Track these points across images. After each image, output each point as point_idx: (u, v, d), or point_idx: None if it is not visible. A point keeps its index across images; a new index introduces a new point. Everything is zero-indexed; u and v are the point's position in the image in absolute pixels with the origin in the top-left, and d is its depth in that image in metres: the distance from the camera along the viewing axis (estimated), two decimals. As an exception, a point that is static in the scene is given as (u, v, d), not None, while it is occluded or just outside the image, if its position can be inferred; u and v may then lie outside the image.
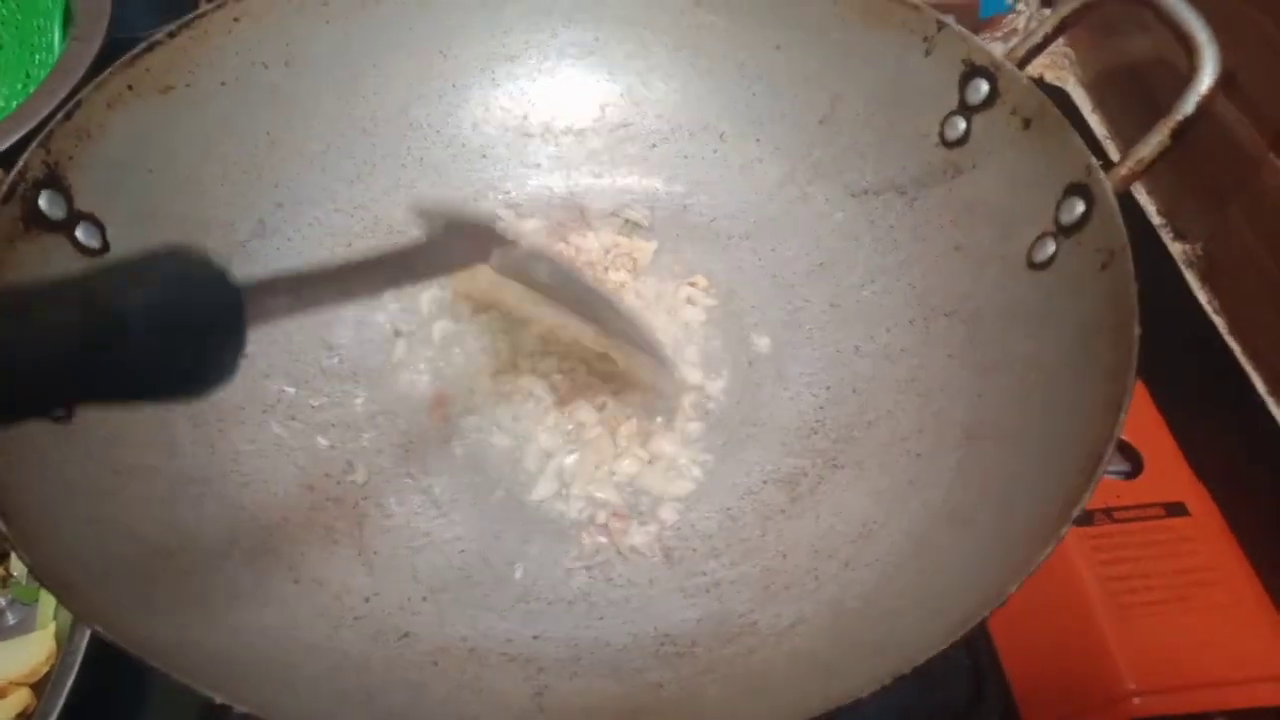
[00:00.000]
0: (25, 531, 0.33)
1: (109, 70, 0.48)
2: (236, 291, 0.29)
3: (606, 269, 0.57)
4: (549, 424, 0.51)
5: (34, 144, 0.44)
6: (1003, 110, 0.50)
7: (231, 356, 0.29)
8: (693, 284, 0.57)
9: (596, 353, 0.52)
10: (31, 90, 0.66)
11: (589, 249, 0.58)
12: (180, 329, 0.27)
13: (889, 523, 0.45)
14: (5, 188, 0.42)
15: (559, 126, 0.62)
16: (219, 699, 0.29)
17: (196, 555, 0.41)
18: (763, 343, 0.55)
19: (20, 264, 0.42)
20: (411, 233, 0.44)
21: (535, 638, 0.43)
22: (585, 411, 0.51)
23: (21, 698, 0.48)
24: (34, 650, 0.49)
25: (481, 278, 0.56)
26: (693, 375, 0.53)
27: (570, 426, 0.51)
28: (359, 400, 0.52)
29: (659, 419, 0.51)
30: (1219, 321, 0.70)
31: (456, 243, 0.44)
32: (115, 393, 0.27)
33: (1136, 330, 0.40)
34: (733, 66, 0.60)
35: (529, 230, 0.59)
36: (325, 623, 0.41)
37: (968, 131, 0.52)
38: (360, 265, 0.37)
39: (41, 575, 0.32)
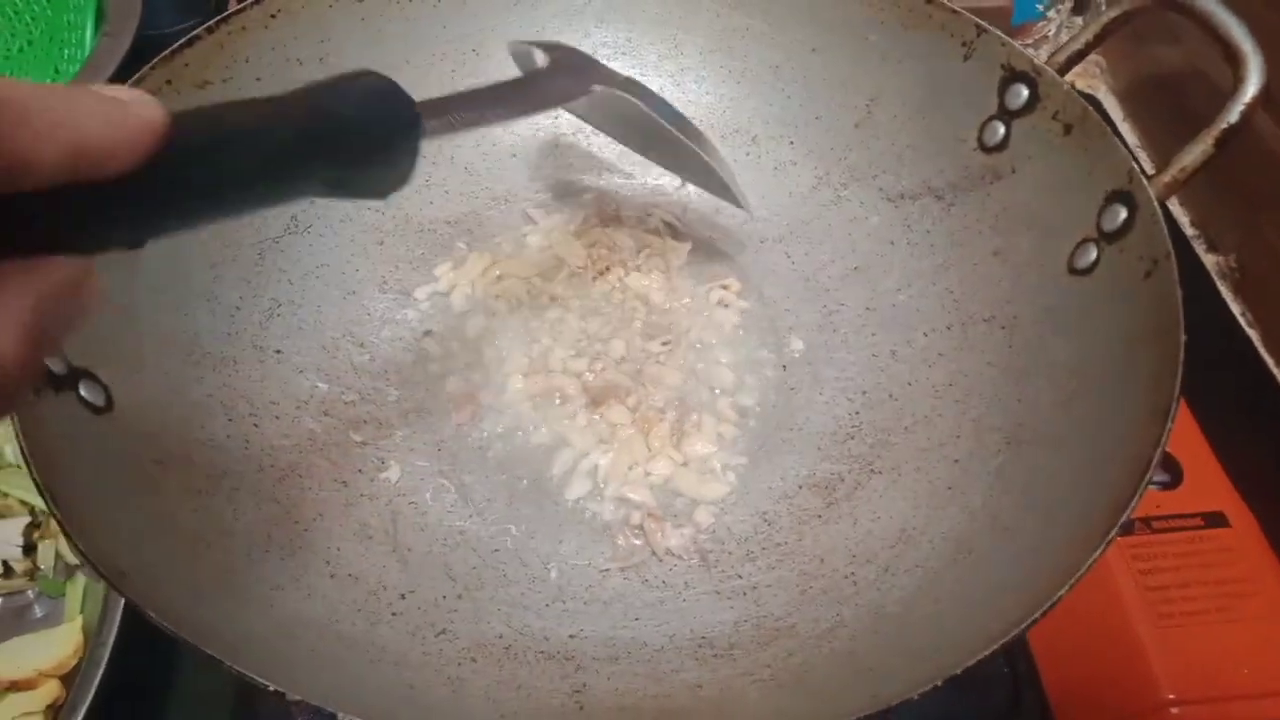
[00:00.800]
0: (76, 518, 0.33)
1: (149, 65, 0.48)
2: (413, 106, 0.32)
3: (638, 268, 0.57)
4: (581, 424, 0.51)
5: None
6: (1043, 116, 0.50)
7: (410, 162, 0.32)
8: (725, 287, 0.57)
9: (620, 356, 0.53)
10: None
11: (622, 247, 0.57)
12: (376, 135, 0.30)
13: (928, 528, 0.45)
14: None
15: (590, 127, 0.62)
16: (274, 687, 0.29)
17: (234, 546, 0.41)
18: (797, 346, 0.54)
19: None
20: (521, 55, 0.47)
21: (572, 637, 0.42)
22: (618, 412, 0.51)
23: (51, 689, 0.48)
24: (62, 643, 0.49)
25: (525, 260, 0.56)
26: (725, 379, 0.53)
27: (604, 427, 0.51)
28: (392, 398, 0.52)
29: (694, 416, 0.51)
30: (1253, 334, 0.70)
31: (563, 75, 0.46)
32: (332, 185, 0.29)
33: (1182, 338, 0.40)
34: (767, 69, 0.60)
35: (555, 224, 0.59)
36: (363, 618, 0.41)
37: (1007, 136, 0.52)
38: (489, 93, 0.40)
39: (95, 561, 0.32)
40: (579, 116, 0.55)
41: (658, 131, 0.50)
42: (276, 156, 0.26)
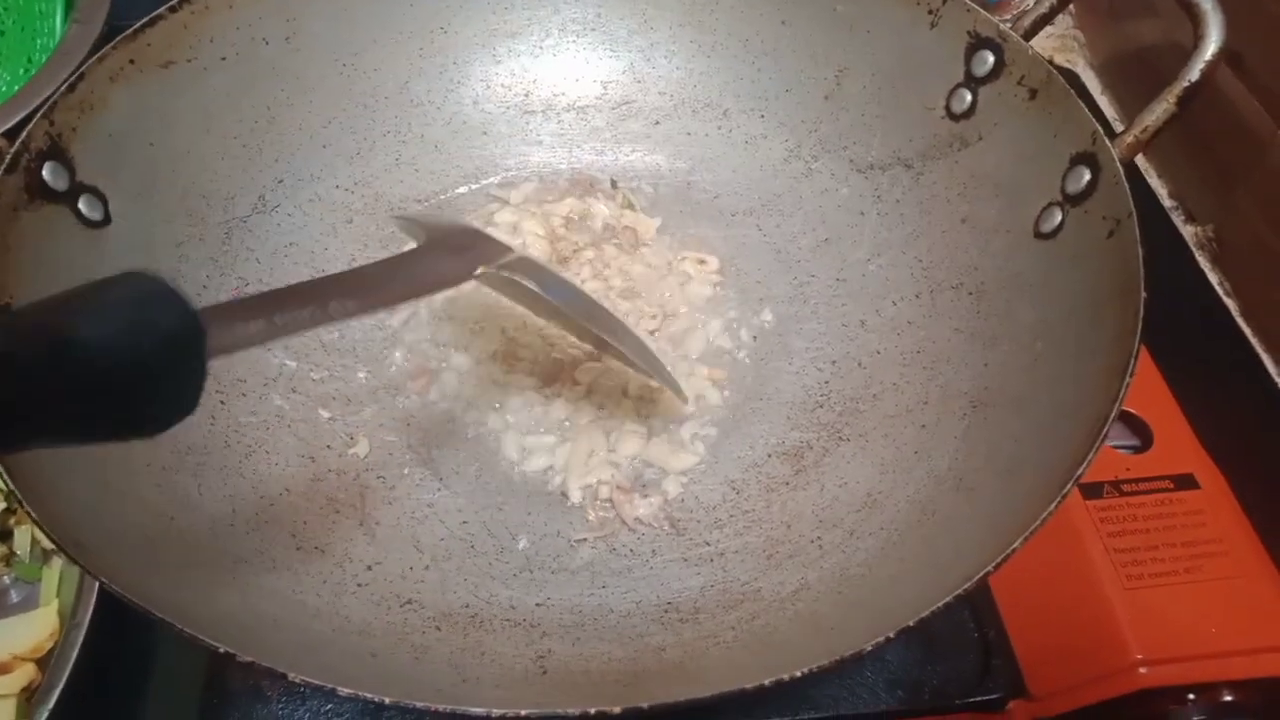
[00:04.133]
0: (33, 490, 0.33)
1: (111, 44, 0.48)
2: (196, 320, 0.26)
3: (608, 243, 0.57)
4: (538, 413, 0.50)
5: (38, 115, 0.44)
6: (1009, 81, 0.50)
7: (192, 391, 0.26)
8: (696, 260, 0.57)
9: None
10: (33, 74, 0.66)
11: (594, 222, 0.57)
12: (137, 362, 0.24)
13: (894, 492, 0.45)
14: (9, 158, 0.42)
15: (561, 104, 0.62)
16: (223, 649, 0.29)
17: (199, 520, 0.41)
18: (767, 318, 0.54)
19: (24, 234, 0.42)
20: (400, 234, 0.41)
21: (539, 605, 0.42)
22: (574, 394, 0.51)
23: (26, 673, 0.48)
24: (38, 626, 0.49)
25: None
26: (695, 349, 0.53)
27: (561, 416, 0.50)
28: (361, 375, 0.52)
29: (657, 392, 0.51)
30: (1230, 303, 0.70)
31: (443, 256, 0.40)
32: (65, 433, 0.24)
33: (1142, 295, 0.40)
34: (737, 42, 0.60)
35: (526, 200, 0.59)
36: (328, 588, 0.41)
37: (974, 104, 0.52)
38: (338, 283, 0.34)
39: (51, 532, 0.32)
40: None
41: (560, 311, 0.44)
42: None
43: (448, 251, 0.40)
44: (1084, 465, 0.35)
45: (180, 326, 0.26)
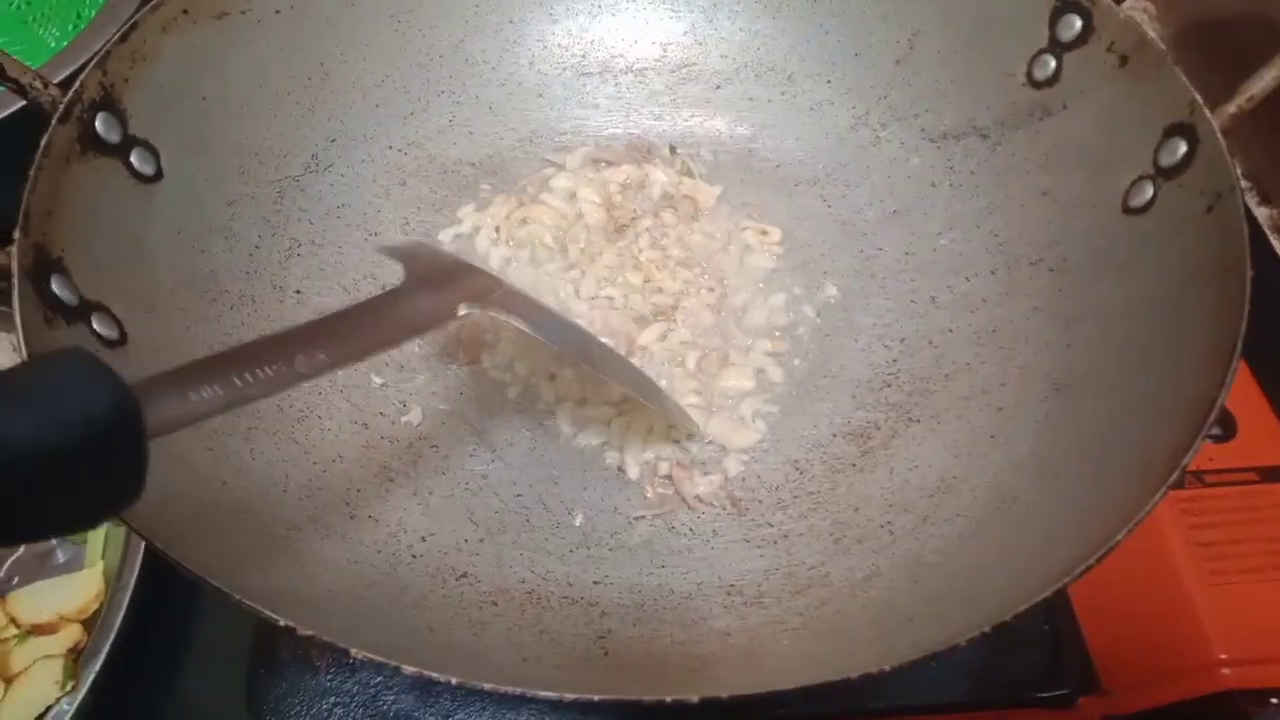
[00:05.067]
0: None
1: (164, -8, 0.47)
2: (131, 399, 0.24)
3: (666, 210, 0.55)
4: (593, 386, 0.49)
5: (91, 65, 0.43)
6: (1097, 47, 0.47)
7: (132, 478, 0.24)
8: (758, 231, 0.55)
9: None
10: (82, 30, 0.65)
11: (651, 189, 0.55)
12: (59, 457, 0.22)
13: (969, 477, 0.43)
14: (62, 108, 0.41)
15: (619, 66, 0.60)
16: (284, 622, 0.28)
17: (251, 485, 0.40)
18: (832, 292, 0.52)
19: (76, 186, 0.41)
20: (395, 259, 0.38)
21: (596, 583, 0.41)
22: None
23: (72, 633, 0.48)
24: (83, 588, 0.49)
25: (551, 207, 0.54)
26: (757, 323, 0.51)
27: (619, 390, 0.48)
28: (414, 342, 0.50)
29: (727, 356, 0.49)
30: (1308, 286, 0.67)
31: (422, 296, 0.36)
32: None
33: (1249, 272, 0.37)
34: (804, 3, 0.57)
35: (582, 166, 0.57)
36: (383, 559, 0.40)
37: (1058, 70, 0.49)
38: (304, 337, 0.31)
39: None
40: None
41: (567, 330, 0.42)
42: None
43: (428, 289, 0.36)
44: (1189, 455, 0.32)
45: (115, 413, 0.23)
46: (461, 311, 0.36)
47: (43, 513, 0.22)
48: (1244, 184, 0.74)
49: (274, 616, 0.28)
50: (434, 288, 0.37)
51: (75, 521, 0.24)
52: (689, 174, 0.57)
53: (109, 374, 0.23)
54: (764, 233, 0.55)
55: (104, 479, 0.23)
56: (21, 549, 0.53)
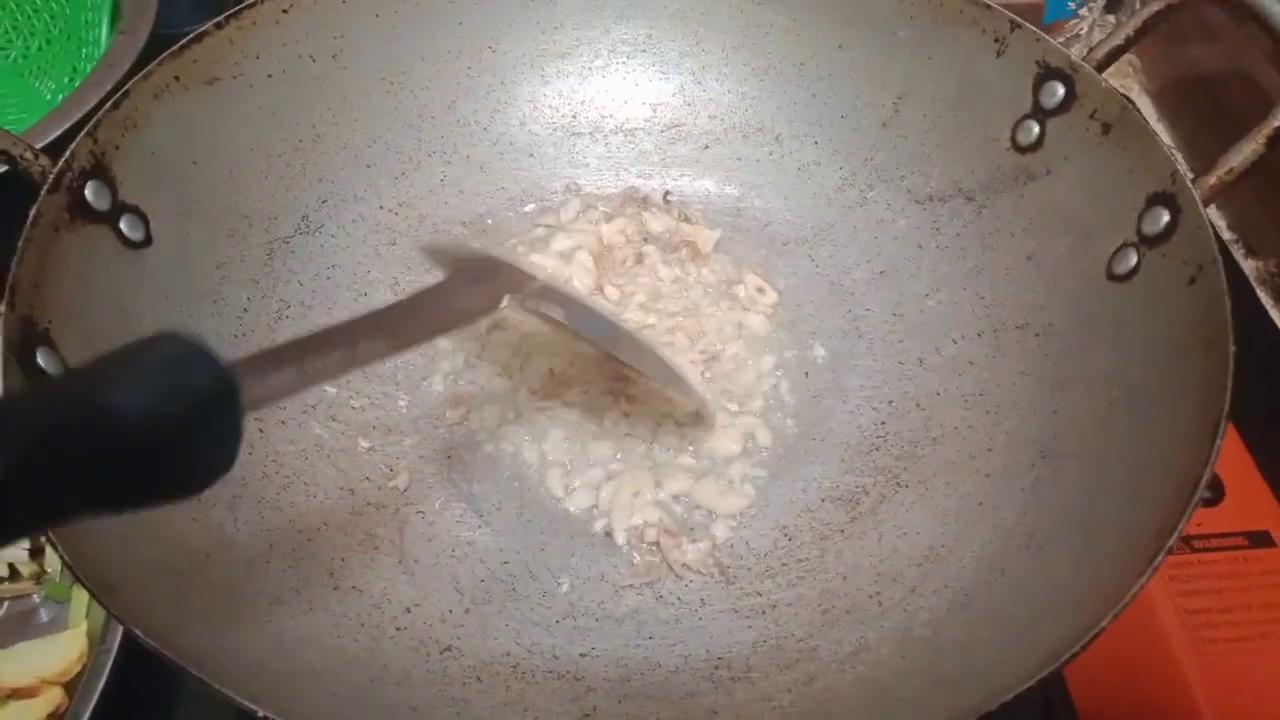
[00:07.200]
0: (64, 529, 0.32)
1: (156, 61, 0.47)
2: (230, 377, 0.26)
3: (663, 264, 0.55)
4: (582, 447, 0.49)
5: (82, 134, 0.43)
6: (1080, 114, 0.48)
7: (230, 449, 0.26)
8: (757, 288, 0.55)
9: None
10: (78, 84, 0.65)
11: (649, 239, 0.56)
12: (174, 428, 0.24)
13: (958, 546, 0.43)
14: (52, 177, 0.41)
15: (609, 126, 0.60)
16: (261, 711, 0.27)
17: (234, 558, 0.39)
18: (820, 353, 0.52)
19: (65, 254, 0.41)
20: (435, 259, 0.41)
21: (583, 655, 0.41)
22: (619, 429, 0.49)
23: (53, 697, 0.47)
24: (66, 649, 0.48)
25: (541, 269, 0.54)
26: (744, 384, 0.51)
27: (607, 452, 0.49)
28: (401, 403, 0.50)
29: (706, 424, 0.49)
30: (1295, 342, 0.67)
31: (468, 288, 0.40)
32: (105, 504, 0.23)
33: (1231, 349, 0.37)
34: (792, 66, 0.58)
35: (571, 215, 0.57)
36: (366, 633, 0.39)
37: (1042, 136, 0.50)
38: (365, 325, 0.34)
39: (81, 575, 0.31)
40: None
41: (598, 319, 0.44)
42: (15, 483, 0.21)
43: (471, 283, 0.40)
44: (1175, 533, 0.32)
45: (215, 386, 0.25)
46: (504, 302, 0.40)
47: (153, 480, 0.24)
48: (1229, 236, 0.75)
49: (251, 706, 0.28)
50: (477, 280, 0.40)
51: (179, 490, 0.25)
52: (685, 219, 0.57)
53: (213, 354, 0.25)
54: (753, 293, 0.55)
55: (205, 448, 0.25)
56: (4, 607, 0.52)
